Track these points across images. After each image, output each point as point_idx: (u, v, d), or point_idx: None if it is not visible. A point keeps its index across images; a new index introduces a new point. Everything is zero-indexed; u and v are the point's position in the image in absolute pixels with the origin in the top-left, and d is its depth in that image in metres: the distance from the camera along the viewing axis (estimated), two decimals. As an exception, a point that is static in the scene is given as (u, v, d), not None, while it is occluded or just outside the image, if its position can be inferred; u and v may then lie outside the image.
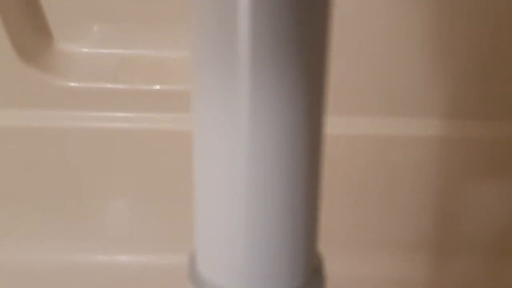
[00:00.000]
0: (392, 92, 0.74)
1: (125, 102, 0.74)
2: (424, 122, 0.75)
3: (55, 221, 0.80)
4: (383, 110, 0.75)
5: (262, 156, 0.27)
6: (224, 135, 0.26)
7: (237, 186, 0.27)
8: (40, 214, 0.80)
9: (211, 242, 0.29)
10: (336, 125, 0.73)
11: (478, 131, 0.76)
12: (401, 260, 0.81)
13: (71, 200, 0.79)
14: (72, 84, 0.74)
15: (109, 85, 0.74)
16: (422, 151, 0.76)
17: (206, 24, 0.25)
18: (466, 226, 0.80)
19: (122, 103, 0.74)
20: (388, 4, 0.68)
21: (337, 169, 0.76)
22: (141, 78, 0.74)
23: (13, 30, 0.70)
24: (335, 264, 0.80)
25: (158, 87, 0.74)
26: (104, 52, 0.76)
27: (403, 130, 0.75)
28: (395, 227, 0.80)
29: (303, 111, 0.26)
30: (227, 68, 0.25)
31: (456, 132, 0.75)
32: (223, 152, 0.27)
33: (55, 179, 0.78)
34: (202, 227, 0.30)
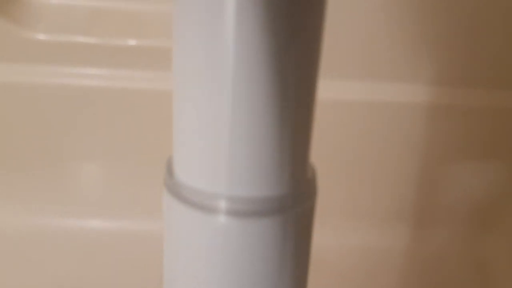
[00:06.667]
0: (381, 57, 0.73)
1: (97, 57, 0.72)
2: (413, 88, 0.73)
3: (23, 182, 0.78)
4: (370, 75, 0.74)
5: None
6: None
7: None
8: (7, 174, 0.77)
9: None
10: (323, 89, 0.72)
11: (466, 99, 0.75)
12: (382, 230, 0.79)
13: (40, 160, 0.77)
14: (41, 36, 0.71)
15: (80, 39, 0.71)
16: (409, 118, 0.75)
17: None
18: (447, 197, 0.79)
19: (94, 58, 0.72)
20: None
21: (321, 135, 0.74)
22: (115, 32, 0.71)
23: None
24: (316, 234, 0.79)
25: (133, 42, 0.70)
26: (75, 3, 0.73)
27: (390, 96, 0.74)
28: (377, 197, 0.79)
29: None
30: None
31: (444, 99, 0.74)
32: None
33: (23, 138, 0.76)
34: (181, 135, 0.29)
